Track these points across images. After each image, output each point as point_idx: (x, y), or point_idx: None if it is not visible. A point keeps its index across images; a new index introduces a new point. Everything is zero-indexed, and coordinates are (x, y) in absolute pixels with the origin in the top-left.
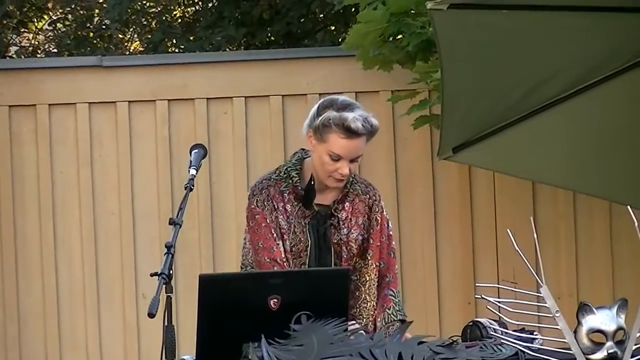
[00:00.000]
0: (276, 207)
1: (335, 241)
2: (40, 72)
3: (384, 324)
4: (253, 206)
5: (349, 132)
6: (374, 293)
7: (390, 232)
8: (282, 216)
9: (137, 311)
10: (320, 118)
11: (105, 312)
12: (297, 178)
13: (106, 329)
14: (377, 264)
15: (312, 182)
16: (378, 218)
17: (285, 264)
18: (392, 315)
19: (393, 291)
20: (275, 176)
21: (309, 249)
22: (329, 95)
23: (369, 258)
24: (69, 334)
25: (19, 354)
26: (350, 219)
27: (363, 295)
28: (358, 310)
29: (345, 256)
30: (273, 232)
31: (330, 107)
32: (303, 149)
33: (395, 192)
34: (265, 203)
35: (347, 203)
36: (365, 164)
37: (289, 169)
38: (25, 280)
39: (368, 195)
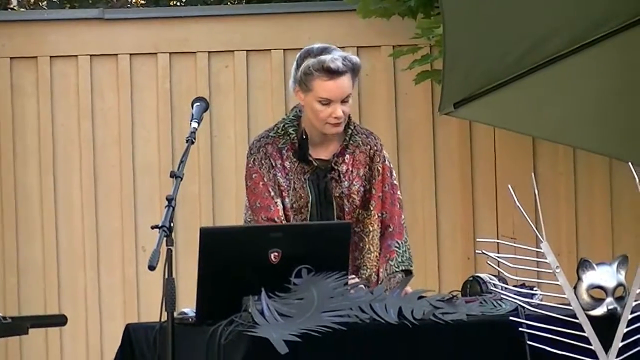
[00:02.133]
0: (274, 164)
1: (337, 195)
2: (41, 24)
3: (386, 275)
4: (250, 165)
5: (331, 72)
6: (377, 244)
7: (395, 182)
8: (280, 173)
9: (136, 264)
10: (301, 70)
11: (104, 264)
12: (294, 135)
13: (105, 282)
14: (380, 214)
15: (305, 136)
16: (379, 168)
17: (283, 222)
18: (394, 267)
19: (398, 242)
20: (273, 133)
21: (309, 204)
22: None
23: (372, 209)
24: (68, 286)
25: (17, 305)
26: (351, 171)
27: (367, 246)
28: (362, 261)
29: (347, 209)
30: (271, 190)
31: (308, 56)
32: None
33: (396, 147)
34: (263, 161)
35: (347, 155)
36: (365, 119)
37: (286, 125)
38: (25, 232)
39: (369, 146)
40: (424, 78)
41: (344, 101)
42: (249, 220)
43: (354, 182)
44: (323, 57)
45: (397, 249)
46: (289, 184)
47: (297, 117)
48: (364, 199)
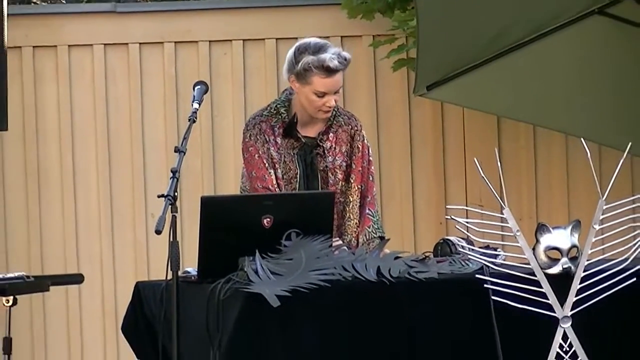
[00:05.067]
0: (268, 140)
1: (322, 168)
2: (60, 16)
3: (365, 240)
4: (247, 140)
5: (329, 71)
6: (357, 212)
7: (371, 158)
8: (273, 148)
9: (146, 229)
10: (299, 64)
11: (118, 229)
12: (285, 114)
13: (119, 245)
14: (359, 186)
15: (295, 120)
16: (359, 146)
17: (276, 189)
18: (371, 233)
19: (371, 211)
20: (267, 113)
21: (298, 176)
22: (304, 39)
23: (352, 182)
24: (86, 249)
25: (41, 269)
26: (335, 148)
27: (348, 214)
28: (344, 227)
29: (331, 181)
30: (265, 162)
31: (306, 52)
32: (291, 87)
33: (376, 126)
34: (258, 137)
35: (331, 134)
36: (349, 101)
37: (278, 105)
38: (47, 202)
39: (350, 126)
40: (400, 65)
41: (336, 92)
42: (246, 188)
43: (337, 158)
44: (322, 57)
45: (371, 217)
46: (280, 157)
47: (288, 99)
48: (346, 173)
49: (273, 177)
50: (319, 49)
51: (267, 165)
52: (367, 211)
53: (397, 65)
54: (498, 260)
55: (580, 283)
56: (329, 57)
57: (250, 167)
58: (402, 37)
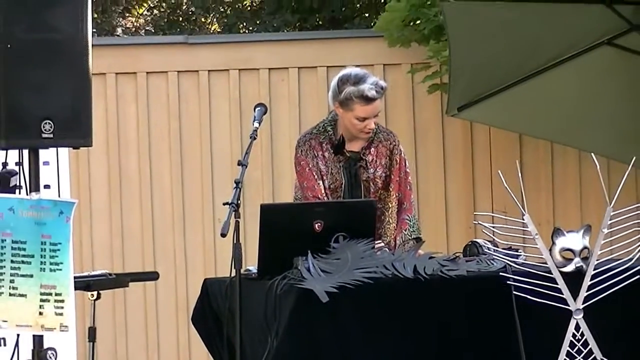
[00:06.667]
0: (316, 155)
1: (364, 179)
2: (140, 47)
3: (402, 241)
4: (299, 155)
5: (367, 100)
6: (395, 217)
7: (408, 170)
8: (321, 162)
9: (213, 232)
10: (342, 94)
11: (189, 232)
12: (331, 132)
13: (190, 246)
14: (397, 194)
15: (342, 140)
16: (397, 159)
17: (325, 198)
18: (407, 235)
19: (408, 216)
20: (315, 131)
21: (343, 185)
22: (346, 69)
23: (391, 190)
24: (161, 249)
25: (122, 264)
26: (376, 161)
27: (387, 219)
28: (383, 230)
29: (372, 190)
30: (314, 174)
31: (347, 82)
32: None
33: (413, 142)
34: (308, 152)
35: (372, 148)
36: (390, 121)
37: (325, 124)
38: (127, 206)
39: (389, 141)
40: (434, 89)
41: (375, 116)
42: (298, 196)
43: (377, 169)
44: (362, 87)
45: (407, 221)
46: (327, 170)
47: (334, 119)
48: (385, 182)
49: (322, 187)
50: (359, 80)
51: (316, 177)
52: (405, 216)
53: (431, 89)
54: (519, 260)
55: (590, 280)
56: (368, 87)
57: (302, 178)
58: (436, 65)
